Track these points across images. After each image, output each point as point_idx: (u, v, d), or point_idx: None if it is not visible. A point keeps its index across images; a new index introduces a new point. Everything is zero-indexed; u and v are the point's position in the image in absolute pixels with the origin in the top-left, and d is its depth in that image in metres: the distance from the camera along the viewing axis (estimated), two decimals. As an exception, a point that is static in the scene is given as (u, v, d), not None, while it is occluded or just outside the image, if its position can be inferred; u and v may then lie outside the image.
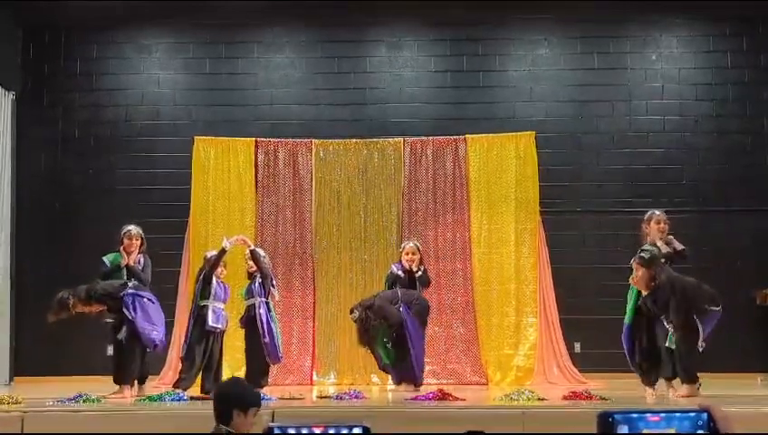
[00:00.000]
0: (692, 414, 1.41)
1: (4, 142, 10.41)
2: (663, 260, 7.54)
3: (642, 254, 7.47)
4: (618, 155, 10.68)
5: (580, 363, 9.97)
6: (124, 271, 7.96)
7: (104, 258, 8.04)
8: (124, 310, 7.67)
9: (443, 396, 7.27)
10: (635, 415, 1.40)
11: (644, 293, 7.40)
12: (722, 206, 10.54)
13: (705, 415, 1.41)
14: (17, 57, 10.83)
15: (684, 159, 10.67)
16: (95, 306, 7.82)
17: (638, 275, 7.39)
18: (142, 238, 8.12)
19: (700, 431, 1.38)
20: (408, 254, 9.00)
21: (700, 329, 7.19)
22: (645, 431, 1.39)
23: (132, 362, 7.74)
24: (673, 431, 1.40)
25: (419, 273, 8.96)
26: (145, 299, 7.78)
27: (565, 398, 7.29)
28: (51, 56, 10.93)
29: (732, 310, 10.02)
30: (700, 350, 7.18)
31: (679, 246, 7.71)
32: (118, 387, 7.69)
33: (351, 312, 8.94)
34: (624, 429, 1.39)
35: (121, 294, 7.71)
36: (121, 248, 8.03)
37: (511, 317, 10.20)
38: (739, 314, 9.97)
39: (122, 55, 11.02)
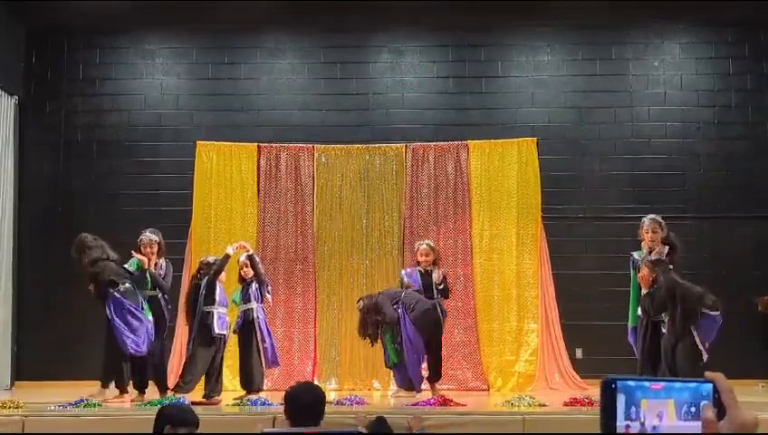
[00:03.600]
0: (692, 385, 1.39)
1: (7, 147, 10.42)
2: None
3: (651, 255, 7.54)
4: (619, 161, 10.69)
5: (581, 369, 9.96)
6: (147, 275, 8.05)
7: (126, 266, 8.05)
8: (106, 307, 7.67)
9: (444, 402, 7.28)
10: (632, 383, 1.39)
11: (644, 291, 7.46)
12: (724, 212, 10.54)
13: (709, 386, 1.39)
14: (20, 62, 10.85)
15: (686, 165, 10.68)
16: (90, 277, 7.83)
17: (643, 274, 7.45)
18: (159, 244, 8.20)
19: (704, 401, 1.37)
20: (422, 255, 8.89)
21: (695, 337, 7.17)
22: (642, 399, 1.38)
23: (114, 363, 7.75)
24: (672, 402, 1.39)
25: (441, 286, 8.85)
26: (126, 310, 7.71)
27: (566, 404, 7.30)
28: (54, 61, 10.96)
29: (733, 316, 10.03)
30: (704, 360, 7.17)
31: (654, 257, 7.69)
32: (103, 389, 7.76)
33: (358, 301, 9.06)
34: (622, 398, 1.39)
35: (109, 290, 7.70)
36: (141, 254, 8.11)
37: (512, 323, 10.19)
38: (740, 320, 9.97)
39: (125, 60, 11.04)
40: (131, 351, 7.67)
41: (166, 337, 8.64)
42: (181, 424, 3.93)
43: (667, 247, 7.68)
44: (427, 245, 8.99)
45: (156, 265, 8.25)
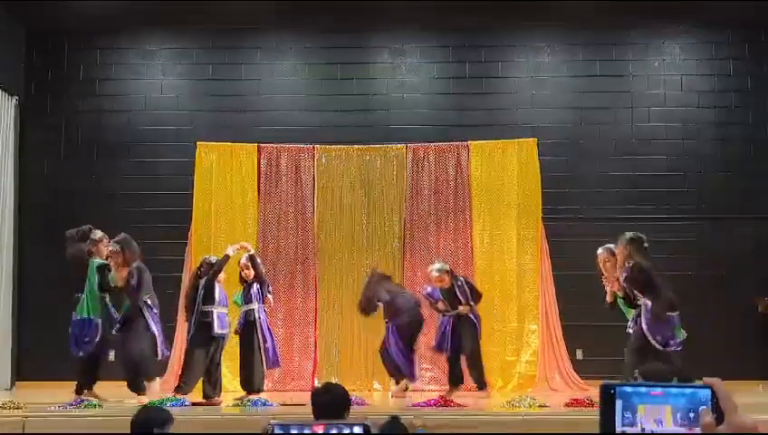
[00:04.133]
0: (689, 391, 1.39)
1: (8, 147, 10.42)
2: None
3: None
4: (620, 162, 10.68)
5: (581, 370, 9.96)
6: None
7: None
8: None
9: (445, 402, 7.28)
10: (629, 389, 1.39)
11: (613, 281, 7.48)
12: (724, 213, 10.54)
13: (707, 391, 1.38)
14: (21, 62, 10.85)
15: (686, 166, 10.67)
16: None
17: (618, 251, 7.45)
18: (122, 253, 8.02)
19: (703, 406, 1.37)
20: (437, 282, 8.83)
21: (645, 330, 7.16)
22: (639, 405, 1.38)
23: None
24: (669, 408, 1.39)
25: (462, 308, 8.79)
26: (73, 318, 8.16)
27: (567, 405, 7.30)
28: (54, 61, 10.95)
29: (733, 317, 10.06)
30: (658, 350, 7.12)
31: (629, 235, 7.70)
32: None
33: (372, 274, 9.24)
34: (619, 403, 1.39)
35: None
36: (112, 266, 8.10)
37: (513, 324, 10.19)
38: (740, 321, 9.99)
39: (125, 61, 11.04)
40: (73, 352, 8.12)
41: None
42: (165, 423, 3.95)
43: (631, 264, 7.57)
44: (438, 271, 8.84)
45: (128, 273, 7.99)
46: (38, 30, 10.93)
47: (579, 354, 10.16)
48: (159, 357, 8.22)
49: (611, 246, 7.81)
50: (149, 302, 8.00)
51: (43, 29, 10.93)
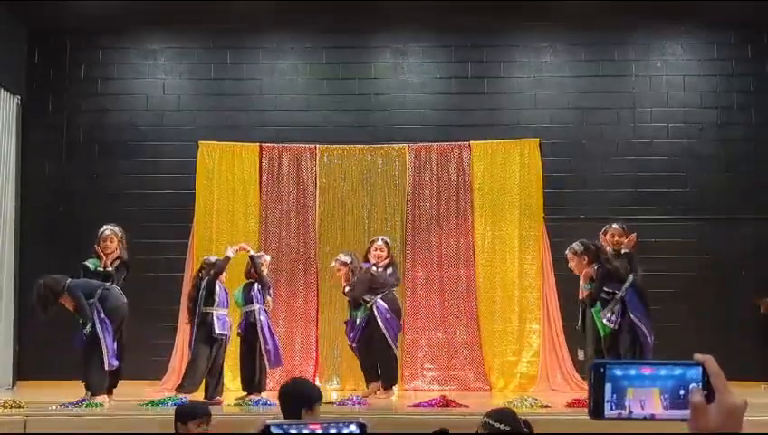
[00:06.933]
0: (678, 371, 1.37)
1: (9, 146, 10.42)
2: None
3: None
4: (622, 162, 10.68)
5: (583, 370, 9.94)
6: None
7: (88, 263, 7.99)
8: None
9: (446, 403, 7.28)
10: (619, 371, 1.37)
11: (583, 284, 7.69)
12: (725, 213, 10.53)
13: (697, 369, 1.36)
14: (23, 61, 10.85)
15: (688, 166, 10.66)
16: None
17: (572, 265, 7.85)
18: (119, 238, 8.01)
19: (693, 384, 1.35)
20: (377, 250, 8.89)
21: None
22: (628, 388, 1.36)
23: None
24: (656, 390, 1.37)
25: (389, 271, 8.85)
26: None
27: (568, 405, 7.29)
28: (56, 61, 10.96)
29: (735, 318, 10.05)
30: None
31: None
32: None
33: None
34: (609, 386, 1.38)
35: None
36: (97, 249, 7.97)
37: (514, 324, 10.18)
38: (742, 321, 9.98)
39: (127, 60, 11.05)
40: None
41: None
42: (204, 414, 4.26)
43: (596, 266, 7.74)
44: (383, 240, 9.04)
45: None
46: (40, 30, 10.93)
47: (580, 355, 10.12)
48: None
49: (574, 245, 7.92)
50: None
51: (44, 29, 10.93)
